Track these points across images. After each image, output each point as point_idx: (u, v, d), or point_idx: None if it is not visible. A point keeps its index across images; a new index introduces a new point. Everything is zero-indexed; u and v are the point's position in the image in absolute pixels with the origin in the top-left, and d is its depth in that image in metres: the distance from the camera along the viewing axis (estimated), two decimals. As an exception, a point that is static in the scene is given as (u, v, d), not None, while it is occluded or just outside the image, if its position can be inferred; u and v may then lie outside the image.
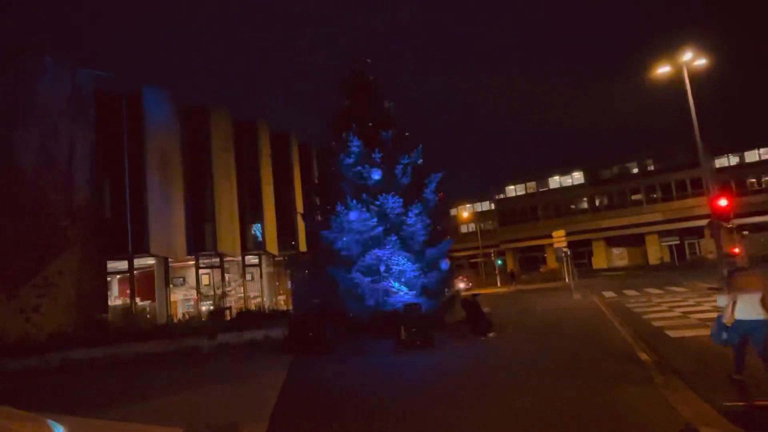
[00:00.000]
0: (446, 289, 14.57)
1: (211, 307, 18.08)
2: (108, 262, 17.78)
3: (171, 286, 19.99)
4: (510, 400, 6.63)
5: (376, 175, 13.66)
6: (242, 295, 22.09)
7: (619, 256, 53.50)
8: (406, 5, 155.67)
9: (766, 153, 46.84)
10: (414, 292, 12.79)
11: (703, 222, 28.88)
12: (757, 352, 6.25)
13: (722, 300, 6.68)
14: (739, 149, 47.96)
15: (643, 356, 8.66)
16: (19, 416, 1.94)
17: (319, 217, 14.16)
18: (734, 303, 6.36)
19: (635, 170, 53.07)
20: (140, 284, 19.38)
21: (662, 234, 49.51)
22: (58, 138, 16.35)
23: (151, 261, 19.31)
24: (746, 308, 6.25)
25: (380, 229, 12.94)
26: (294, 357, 11.00)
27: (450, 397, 7.06)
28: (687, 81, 24.15)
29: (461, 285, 34.90)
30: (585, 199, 55.86)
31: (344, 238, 13.27)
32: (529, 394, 6.83)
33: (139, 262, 18.98)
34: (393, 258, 12.85)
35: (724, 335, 6.53)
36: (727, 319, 6.41)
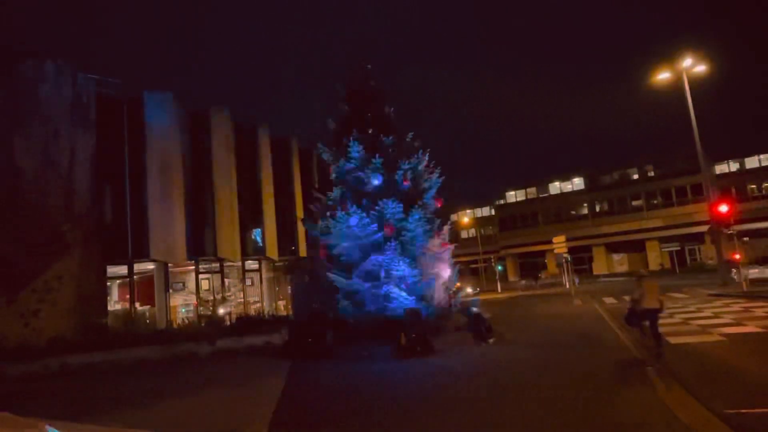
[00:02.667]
0: (447, 295, 14.53)
1: (211, 312, 18.05)
2: (108, 266, 17.77)
3: (171, 291, 19.95)
4: (509, 407, 6.62)
5: (377, 180, 13.67)
6: (242, 300, 22.06)
7: (620, 262, 53.44)
8: (408, 10, 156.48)
9: (767, 159, 46.89)
10: (414, 297, 12.76)
11: (704, 228, 28.95)
12: (650, 330, 9.52)
13: (635, 294, 10.07)
14: (740, 155, 48.05)
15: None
16: (17, 422, 1.93)
17: (320, 223, 14.14)
18: (642, 297, 9.64)
19: (635, 176, 53.10)
20: (140, 289, 19.37)
21: (663, 240, 49.47)
22: (58, 143, 16.37)
23: (150, 266, 19.30)
24: (649, 301, 9.56)
25: (380, 234, 12.93)
26: (294, 362, 11.00)
27: (449, 403, 7.05)
28: (687, 87, 24.27)
29: (469, 290, 34.72)
30: (585, 204, 55.88)
31: (344, 244, 13.27)
32: (528, 400, 6.82)
33: (139, 267, 18.96)
34: (393, 263, 12.82)
35: (633, 319, 10.22)
36: (638, 309, 9.84)
